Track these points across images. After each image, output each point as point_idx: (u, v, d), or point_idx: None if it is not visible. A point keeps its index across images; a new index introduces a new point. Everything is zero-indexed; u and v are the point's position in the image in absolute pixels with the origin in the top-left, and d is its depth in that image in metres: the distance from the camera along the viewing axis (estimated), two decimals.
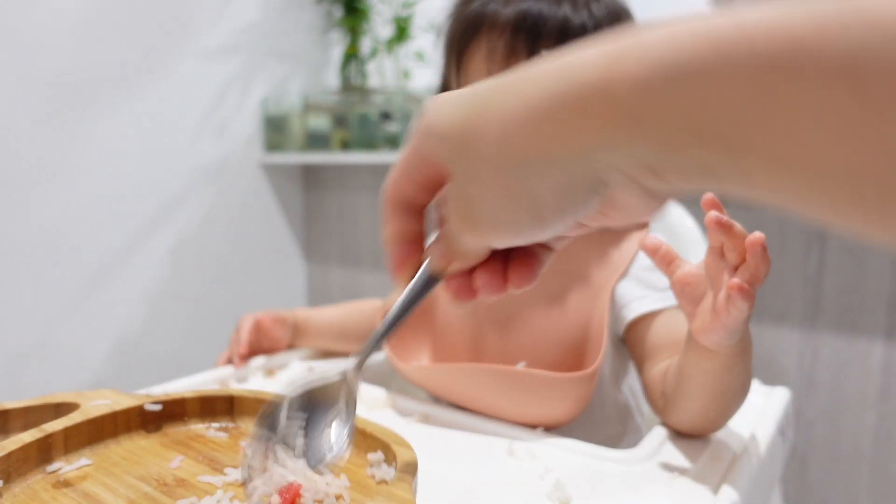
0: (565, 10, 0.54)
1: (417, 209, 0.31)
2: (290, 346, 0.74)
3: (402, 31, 1.81)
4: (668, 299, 0.56)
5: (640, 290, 0.56)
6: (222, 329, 1.80)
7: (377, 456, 0.39)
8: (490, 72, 0.54)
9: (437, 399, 0.62)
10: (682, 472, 0.45)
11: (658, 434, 0.51)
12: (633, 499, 0.42)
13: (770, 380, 0.68)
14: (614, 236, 0.59)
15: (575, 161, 0.22)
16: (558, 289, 0.58)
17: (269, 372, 0.68)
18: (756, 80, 0.18)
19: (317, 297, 2.00)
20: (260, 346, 0.71)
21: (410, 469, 0.36)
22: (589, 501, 0.41)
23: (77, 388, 1.67)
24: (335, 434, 0.34)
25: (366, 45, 1.90)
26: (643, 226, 0.61)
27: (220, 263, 1.77)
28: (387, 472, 0.38)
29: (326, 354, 0.75)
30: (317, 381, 0.35)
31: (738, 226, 0.40)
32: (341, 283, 1.94)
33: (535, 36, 0.53)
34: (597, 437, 0.57)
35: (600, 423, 0.59)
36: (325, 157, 1.78)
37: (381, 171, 1.79)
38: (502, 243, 0.27)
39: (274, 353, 0.72)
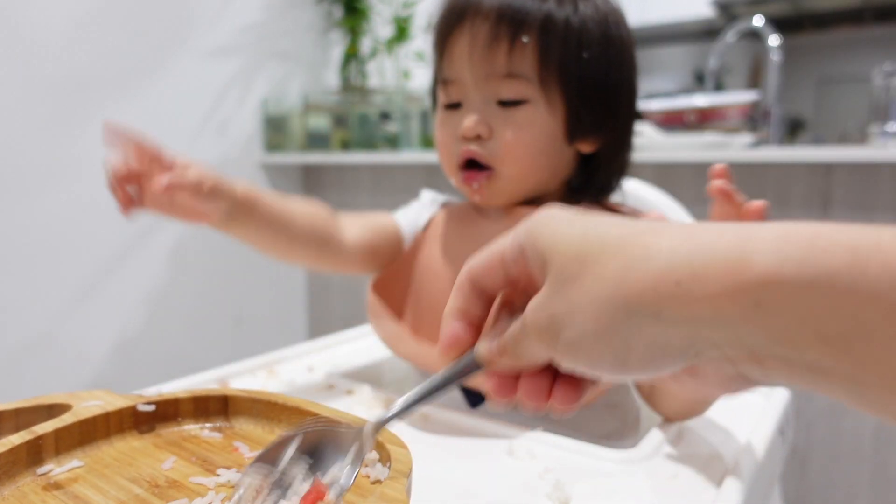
0: (549, 5, 0.55)
1: (490, 297, 0.31)
2: (219, 224, 0.56)
3: (401, 31, 1.81)
4: None
5: None
6: (222, 329, 1.80)
7: (372, 456, 0.39)
8: (472, 57, 0.56)
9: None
10: (682, 471, 0.45)
11: (658, 434, 0.51)
12: (633, 499, 0.42)
13: None
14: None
15: (680, 326, 0.23)
16: None
17: (270, 372, 0.68)
18: (891, 298, 0.18)
19: (316, 296, 2.00)
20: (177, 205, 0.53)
21: (404, 468, 0.35)
22: (589, 501, 0.41)
23: (77, 388, 1.67)
24: (334, 487, 0.33)
25: (366, 45, 1.90)
26: (637, 214, 0.60)
27: (220, 263, 1.77)
28: (381, 471, 0.37)
29: (325, 348, 0.75)
30: (330, 428, 0.35)
31: (739, 195, 0.41)
32: (341, 282, 1.94)
33: (517, 25, 0.54)
34: (590, 425, 0.58)
35: (593, 410, 0.60)
36: (325, 157, 1.78)
37: (380, 170, 1.79)
38: (572, 367, 0.27)
39: (189, 221, 0.55)
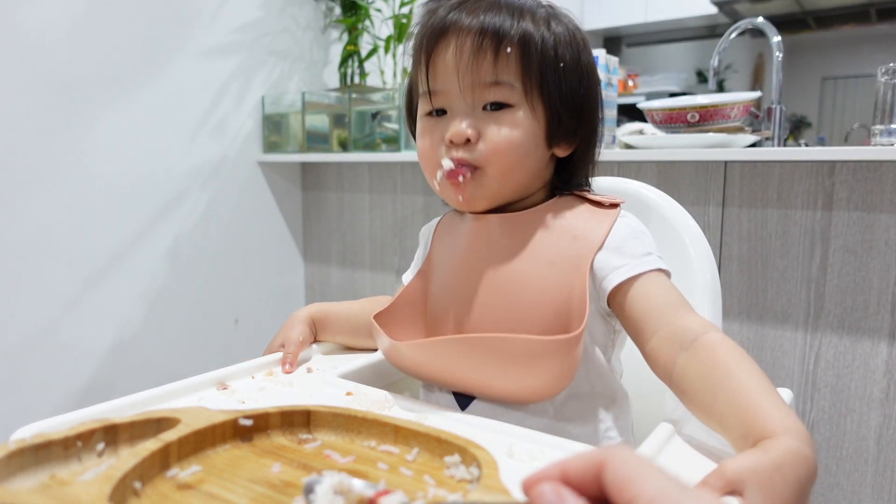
0: (526, 24, 0.59)
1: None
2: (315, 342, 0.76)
3: (401, 30, 1.80)
4: (646, 264, 0.58)
5: (619, 260, 0.58)
6: (220, 328, 1.80)
7: (454, 458, 0.42)
8: (458, 67, 0.59)
9: (432, 395, 0.63)
10: (682, 472, 0.45)
11: (659, 434, 0.50)
12: None
13: (773, 381, 0.67)
14: (587, 215, 0.62)
15: None
16: (538, 268, 0.60)
17: (270, 372, 0.67)
18: None
19: (315, 296, 1.99)
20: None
21: (493, 465, 0.40)
22: None
23: (77, 388, 1.65)
24: None
25: (365, 43, 1.90)
26: (615, 205, 0.63)
27: (219, 262, 1.77)
28: (465, 472, 0.41)
29: (325, 348, 0.75)
30: None
31: None
32: (340, 281, 1.94)
33: (500, 38, 0.58)
34: (587, 415, 0.60)
35: (588, 398, 0.61)
36: (323, 155, 1.78)
37: (379, 169, 1.79)
38: None
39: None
